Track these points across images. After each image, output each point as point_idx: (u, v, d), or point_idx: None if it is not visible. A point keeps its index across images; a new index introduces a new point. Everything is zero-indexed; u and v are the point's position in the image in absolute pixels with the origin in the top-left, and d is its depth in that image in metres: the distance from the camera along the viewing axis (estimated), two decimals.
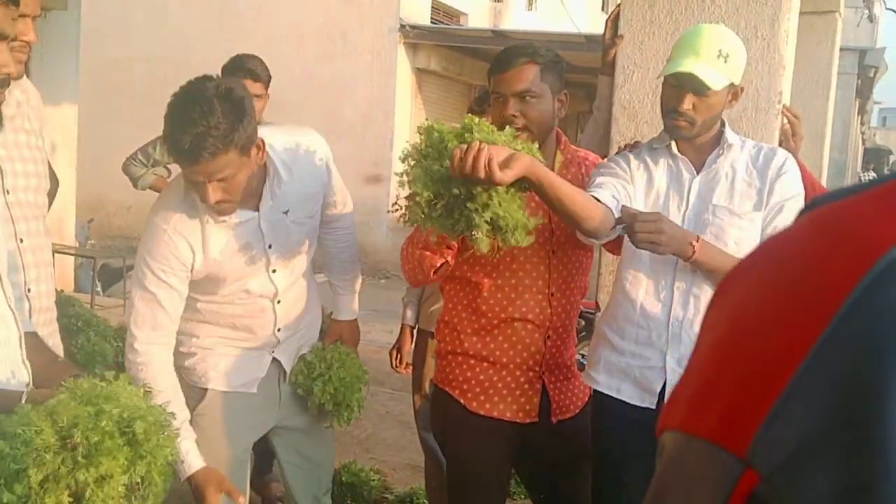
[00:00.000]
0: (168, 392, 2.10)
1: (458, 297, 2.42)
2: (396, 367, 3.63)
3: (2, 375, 1.48)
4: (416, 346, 3.56)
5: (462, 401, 2.39)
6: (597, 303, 3.03)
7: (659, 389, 2.24)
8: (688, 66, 2.12)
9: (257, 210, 2.25)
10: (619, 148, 2.53)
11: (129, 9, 12.35)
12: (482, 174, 1.83)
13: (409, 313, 3.54)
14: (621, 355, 2.30)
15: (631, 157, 2.33)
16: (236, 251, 2.25)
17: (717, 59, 2.13)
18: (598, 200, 2.12)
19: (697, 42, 2.16)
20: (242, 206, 2.20)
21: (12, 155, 2.05)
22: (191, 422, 2.23)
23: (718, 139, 2.27)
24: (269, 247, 2.32)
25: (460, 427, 2.41)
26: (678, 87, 2.17)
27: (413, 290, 3.52)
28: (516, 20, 13.96)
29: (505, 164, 1.86)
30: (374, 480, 3.94)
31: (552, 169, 2.40)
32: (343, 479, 3.84)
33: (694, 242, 2.12)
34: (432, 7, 13.02)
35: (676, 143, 2.27)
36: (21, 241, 2.05)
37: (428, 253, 2.24)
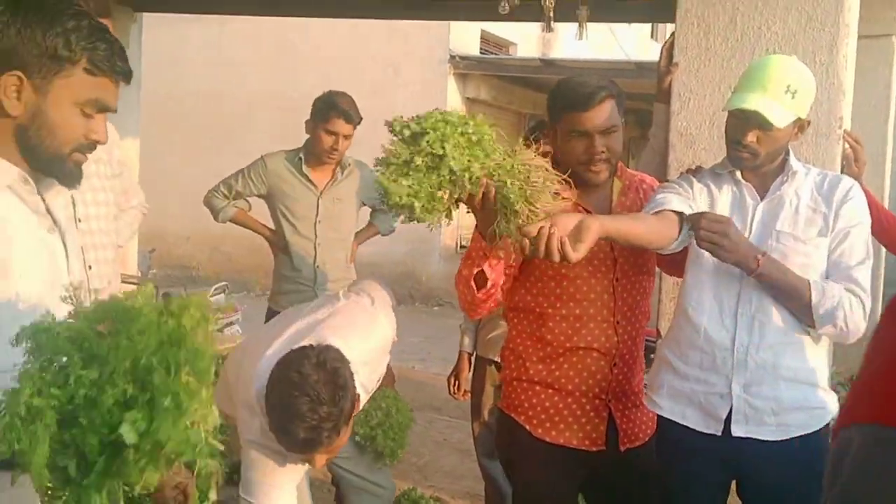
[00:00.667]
0: None
1: (522, 325, 2.44)
2: (454, 393, 3.65)
3: None
4: (474, 373, 3.58)
5: (528, 427, 2.40)
6: (657, 330, 3.03)
7: (724, 416, 2.22)
8: (753, 102, 2.12)
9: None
10: (681, 174, 2.53)
11: (185, 44, 12.69)
12: (557, 258, 1.88)
13: (467, 340, 3.57)
14: (685, 380, 2.29)
15: (693, 180, 2.34)
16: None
17: (784, 94, 2.13)
18: (669, 211, 2.16)
19: (765, 76, 2.15)
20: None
21: (83, 185, 2.12)
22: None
23: (783, 166, 2.26)
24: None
25: (526, 453, 2.42)
26: (743, 120, 2.17)
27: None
28: (565, 49, 14.00)
29: (576, 240, 1.89)
30: None
31: (611, 196, 2.43)
32: None
33: (759, 256, 2.12)
34: (481, 38, 13.16)
35: (741, 171, 2.28)
36: (90, 267, 2.12)
37: (465, 272, 2.21)
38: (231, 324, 8.82)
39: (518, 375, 2.45)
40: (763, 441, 2.21)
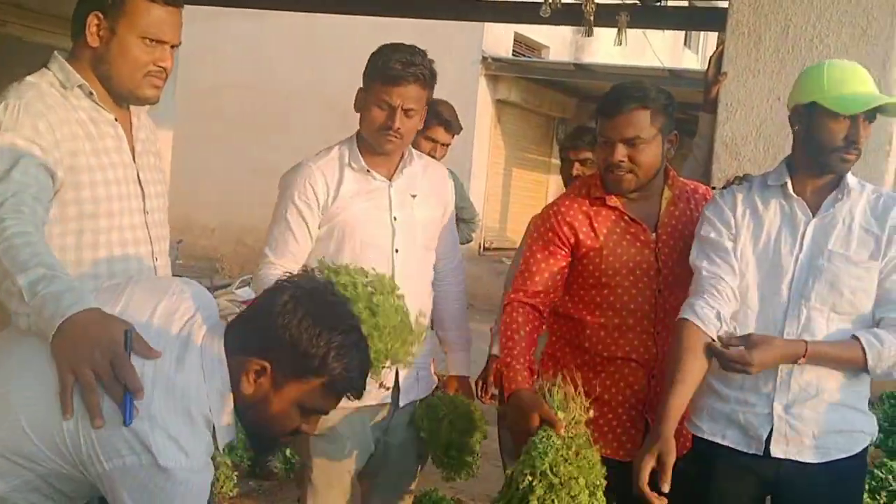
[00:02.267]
0: None
1: (561, 331, 2.42)
2: (481, 397, 3.62)
3: None
4: None
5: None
6: None
7: (765, 436, 2.16)
8: (882, 97, 2.10)
9: (390, 180, 2.45)
10: (728, 181, 2.49)
11: (220, 37, 12.75)
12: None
13: (497, 343, 3.54)
14: (726, 402, 2.21)
15: (738, 199, 2.24)
16: (364, 207, 2.42)
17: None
18: (701, 326, 2.12)
19: (859, 73, 2.11)
20: (377, 168, 2.44)
21: (147, 178, 2.13)
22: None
23: (838, 181, 2.18)
24: (395, 219, 2.41)
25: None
26: (853, 120, 2.08)
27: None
28: (597, 53, 13.96)
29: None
30: None
31: (660, 205, 2.38)
32: None
33: (803, 351, 2.08)
34: (514, 40, 13.13)
35: (792, 183, 2.19)
36: (156, 259, 2.12)
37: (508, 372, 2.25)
38: None
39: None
40: (802, 462, 2.17)
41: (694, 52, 18.78)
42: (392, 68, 2.31)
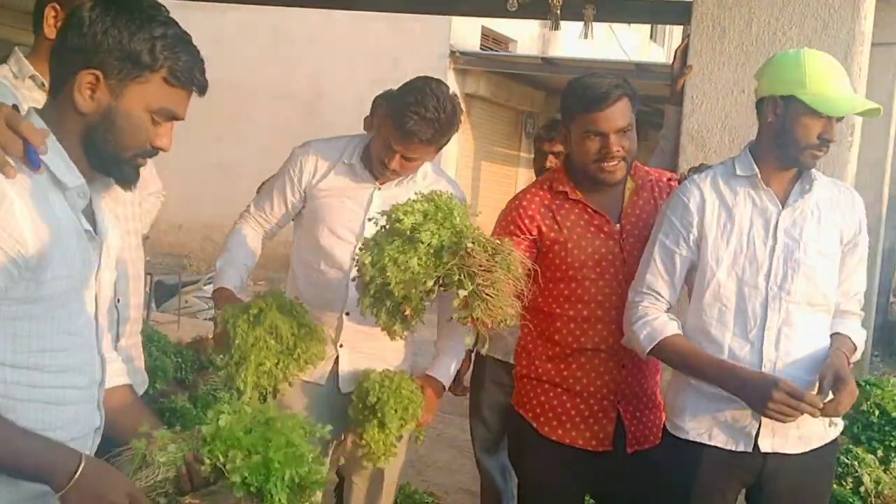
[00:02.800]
0: (235, 250, 2.67)
1: (532, 324, 2.43)
2: (453, 389, 3.63)
3: (71, 420, 1.51)
4: (473, 370, 3.57)
5: (535, 424, 2.41)
6: None
7: (755, 432, 2.16)
8: (867, 102, 2.12)
9: (380, 186, 2.56)
10: (683, 175, 2.51)
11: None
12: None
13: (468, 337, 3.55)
14: (710, 401, 2.19)
15: (704, 190, 2.21)
16: (342, 199, 2.56)
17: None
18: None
19: (837, 69, 2.12)
20: (373, 171, 2.56)
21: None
22: None
23: (801, 171, 2.20)
24: (369, 219, 2.40)
25: (534, 451, 2.42)
26: (828, 118, 2.08)
27: None
28: (565, 48, 14.01)
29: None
30: (427, 503, 3.95)
31: (623, 197, 2.41)
32: (398, 501, 3.84)
33: (849, 366, 2.17)
34: (482, 34, 13.14)
35: (761, 174, 2.18)
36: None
37: None
38: None
39: (528, 373, 2.45)
40: (786, 454, 2.19)
41: (660, 45, 18.92)
42: (409, 129, 2.36)
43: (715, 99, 2.92)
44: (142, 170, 2.37)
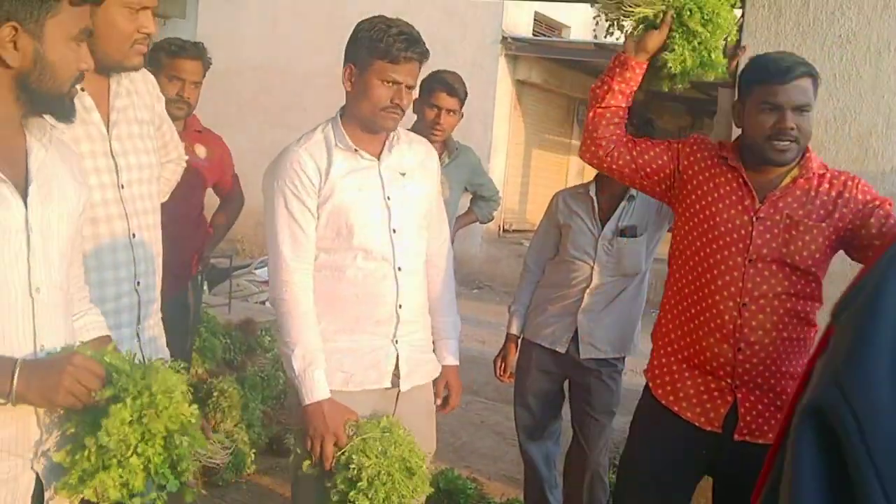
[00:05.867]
0: (308, 315, 2.28)
1: (668, 296, 2.49)
2: (500, 376, 3.61)
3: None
4: (520, 356, 3.54)
5: (651, 386, 2.48)
6: None
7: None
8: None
9: (378, 158, 2.37)
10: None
11: (240, 18, 12.76)
12: None
13: (516, 323, 3.53)
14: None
15: None
16: (357, 188, 2.33)
17: None
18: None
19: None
20: (364, 147, 2.34)
21: (126, 148, 2.08)
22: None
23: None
24: (389, 198, 2.35)
25: (649, 416, 2.49)
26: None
27: (520, 299, 3.51)
28: (618, 33, 13.81)
29: None
30: (470, 489, 3.94)
31: (781, 182, 2.32)
32: (440, 485, 3.85)
33: None
34: (534, 19, 13.02)
35: None
36: (133, 235, 2.09)
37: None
38: None
39: (661, 343, 2.49)
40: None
41: None
42: (397, 47, 2.26)
43: None
44: (162, 135, 2.37)
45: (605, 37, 2.51)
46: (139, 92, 2.20)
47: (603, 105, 2.43)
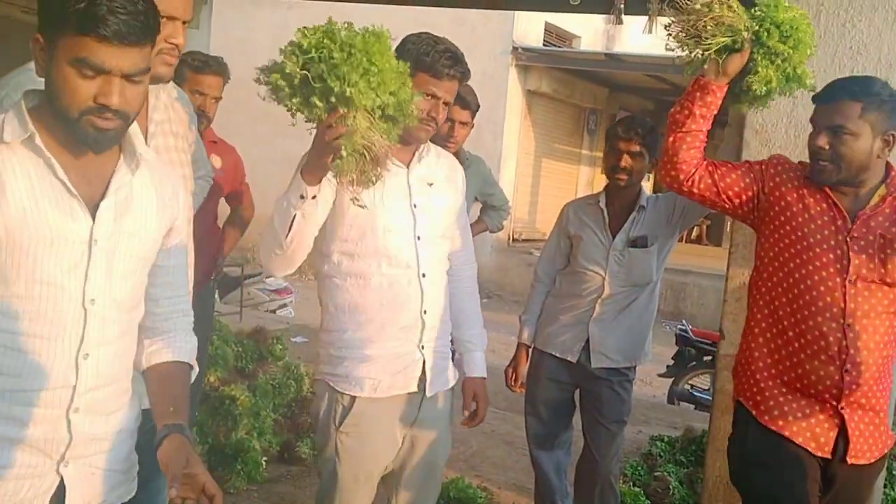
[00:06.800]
0: None
1: (756, 313, 2.43)
2: (511, 385, 3.62)
3: (32, 371, 1.54)
4: (531, 366, 3.55)
5: (754, 412, 2.38)
6: (721, 331, 2.97)
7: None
8: None
9: (407, 167, 2.40)
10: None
11: (253, 28, 12.84)
12: None
13: (527, 332, 3.54)
14: None
15: None
16: (384, 193, 2.31)
17: None
18: None
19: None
20: (395, 155, 2.25)
21: (162, 160, 2.09)
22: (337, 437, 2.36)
23: None
24: (415, 206, 2.36)
25: (756, 443, 2.39)
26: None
27: (531, 309, 3.52)
28: (629, 43, 13.83)
29: None
30: (480, 498, 3.95)
31: (868, 201, 2.34)
32: (451, 494, 3.86)
33: None
34: (545, 29, 13.06)
35: None
36: None
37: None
38: (284, 305, 8.95)
39: (757, 368, 2.41)
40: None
41: None
42: (442, 63, 2.31)
43: None
44: (194, 152, 2.40)
45: (684, 74, 2.45)
46: (175, 108, 2.25)
47: (683, 129, 2.40)
